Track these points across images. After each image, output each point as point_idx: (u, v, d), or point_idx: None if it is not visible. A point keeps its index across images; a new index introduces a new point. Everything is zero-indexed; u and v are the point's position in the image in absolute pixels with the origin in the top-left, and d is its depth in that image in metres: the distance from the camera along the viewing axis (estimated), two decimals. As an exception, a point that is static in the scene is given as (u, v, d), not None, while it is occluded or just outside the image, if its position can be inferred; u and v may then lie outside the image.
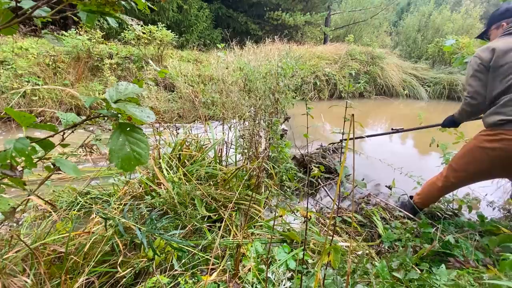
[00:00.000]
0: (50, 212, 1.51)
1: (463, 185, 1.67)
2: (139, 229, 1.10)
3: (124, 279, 1.15)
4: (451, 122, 1.83)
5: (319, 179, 2.48)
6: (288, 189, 2.16)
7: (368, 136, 2.66)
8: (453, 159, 1.67)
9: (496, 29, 1.62)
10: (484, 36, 1.75)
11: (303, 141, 3.64)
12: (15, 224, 1.52)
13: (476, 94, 1.53)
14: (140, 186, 1.74)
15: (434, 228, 1.65)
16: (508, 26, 1.54)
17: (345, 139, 2.80)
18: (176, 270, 1.18)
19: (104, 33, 5.28)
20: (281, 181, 2.09)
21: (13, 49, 4.41)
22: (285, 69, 2.21)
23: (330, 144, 2.97)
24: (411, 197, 1.94)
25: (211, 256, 1.20)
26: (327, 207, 2.17)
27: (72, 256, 1.13)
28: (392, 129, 2.34)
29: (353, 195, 1.85)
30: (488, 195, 2.22)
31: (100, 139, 1.02)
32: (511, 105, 1.38)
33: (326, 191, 2.38)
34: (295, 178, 2.35)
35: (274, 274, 1.16)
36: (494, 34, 1.63)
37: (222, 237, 1.41)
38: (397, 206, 2.03)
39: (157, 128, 2.22)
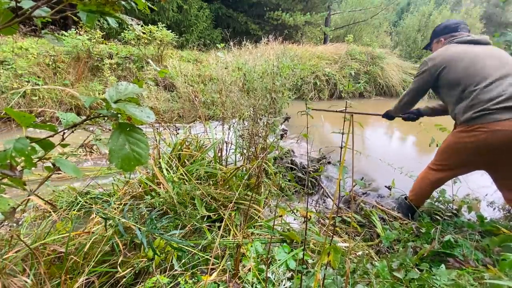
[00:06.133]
0: (50, 212, 1.51)
1: (452, 177, 1.75)
2: (139, 229, 1.10)
3: (124, 279, 1.15)
4: (388, 116, 2.13)
5: (317, 179, 2.48)
6: (288, 190, 2.16)
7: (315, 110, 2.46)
8: (437, 154, 1.74)
9: (436, 43, 1.84)
10: (428, 47, 1.96)
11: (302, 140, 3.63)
12: (15, 224, 1.52)
13: (414, 92, 1.78)
14: (140, 186, 1.74)
15: (434, 229, 1.65)
16: (446, 41, 1.76)
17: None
18: (176, 270, 1.18)
19: (104, 33, 5.28)
20: (280, 182, 2.08)
21: (13, 49, 4.41)
22: (281, 69, 2.21)
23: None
24: (406, 197, 1.94)
25: (211, 256, 1.20)
26: (326, 208, 2.17)
27: (72, 256, 1.13)
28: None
29: (353, 195, 1.85)
30: (488, 195, 2.22)
31: (100, 139, 1.02)
32: (481, 99, 1.46)
33: (325, 191, 2.38)
34: (295, 178, 2.36)
35: (274, 274, 1.16)
36: (435, 47, 1.84)
37: (222, 237, 1.41)
38: (394, 207, 2.04)
39: (157, 128, 2.22)
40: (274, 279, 1.13)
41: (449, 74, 1.59)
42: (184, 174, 1.76)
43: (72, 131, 0.71)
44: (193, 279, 1.15)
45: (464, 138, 1.52)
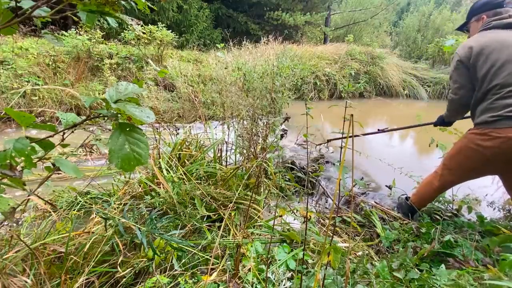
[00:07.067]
0: (50, 212, 1.51)
1: (459, 182, 1.66)
2: (139, 229, 1.10)
3: (124, 279, 1.15)
4: (442, 121, 1.84)
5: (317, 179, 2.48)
6: (288, 190, 2.16)
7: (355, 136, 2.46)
8: (446, 158, 1.66)
9: (476, 21, 1.56)
10: (464, 28, 1.69)
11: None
12: (15, 224, 1.52)
13: (460, 89, 1.52)
14: (140, 186, 1.74)
15: (434, 229, 1.65)
16: (488, 20, 1.49)
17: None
18: (176, 270, 1.18)
19: (104, 33, 5.28)
20: (280, 182, 2.08)
21: (13, 49, 4.41)
22: (281, 69, 2.21)
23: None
24: (407, 198, 1.93)
25: (211, 256, 1.20)
26: (326, 208, 2.17)
27: (72, 256, 1.13)
28: (378, 129, 2.25)
29: (353, 195, 1.85)
30: (488, 195, 2.22)
31: (100, 139, 1.02)
32: (499, 104, 1.36)
33: (325, 191, 2.38)
34: (295, 178, 2.35)
35: (274, 274, 1.16)
36: (474, 26, 1.58)
37: (222, 237, 1.41)
38: (394, 207, 2.03)
39: (157, 128, 2.22)
40: (274, 279, 1.13)
41: (479, 69, 1.42)
42: (184, 174, 1.76)
43: (72, 131, 0.71)
44: (193, 279, 1.15)
45: (476, 141, 1.44)
